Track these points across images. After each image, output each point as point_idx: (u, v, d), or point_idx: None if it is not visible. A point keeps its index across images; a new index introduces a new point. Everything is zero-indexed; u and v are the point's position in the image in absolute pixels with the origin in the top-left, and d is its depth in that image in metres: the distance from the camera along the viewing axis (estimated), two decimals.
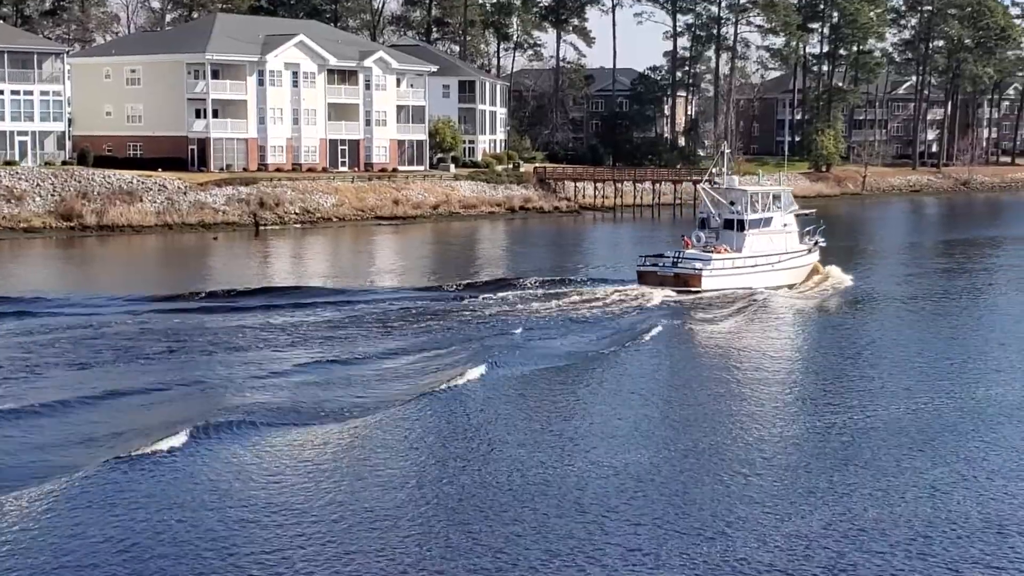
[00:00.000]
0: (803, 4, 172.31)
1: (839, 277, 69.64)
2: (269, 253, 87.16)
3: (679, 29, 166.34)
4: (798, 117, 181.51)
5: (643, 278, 63.35)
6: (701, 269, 62.88)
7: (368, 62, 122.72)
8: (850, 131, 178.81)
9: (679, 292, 61.30)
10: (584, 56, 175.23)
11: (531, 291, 61.68)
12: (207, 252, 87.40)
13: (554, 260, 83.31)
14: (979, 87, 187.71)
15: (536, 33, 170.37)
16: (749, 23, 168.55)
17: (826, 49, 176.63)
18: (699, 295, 61.23)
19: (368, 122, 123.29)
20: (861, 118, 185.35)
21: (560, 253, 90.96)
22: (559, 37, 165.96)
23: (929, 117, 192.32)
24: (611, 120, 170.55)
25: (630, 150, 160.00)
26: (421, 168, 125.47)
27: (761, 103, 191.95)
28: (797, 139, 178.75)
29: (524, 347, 47.14)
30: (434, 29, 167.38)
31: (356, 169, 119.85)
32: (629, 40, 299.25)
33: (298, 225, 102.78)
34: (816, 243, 70.54)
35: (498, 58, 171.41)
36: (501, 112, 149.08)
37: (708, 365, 46.76)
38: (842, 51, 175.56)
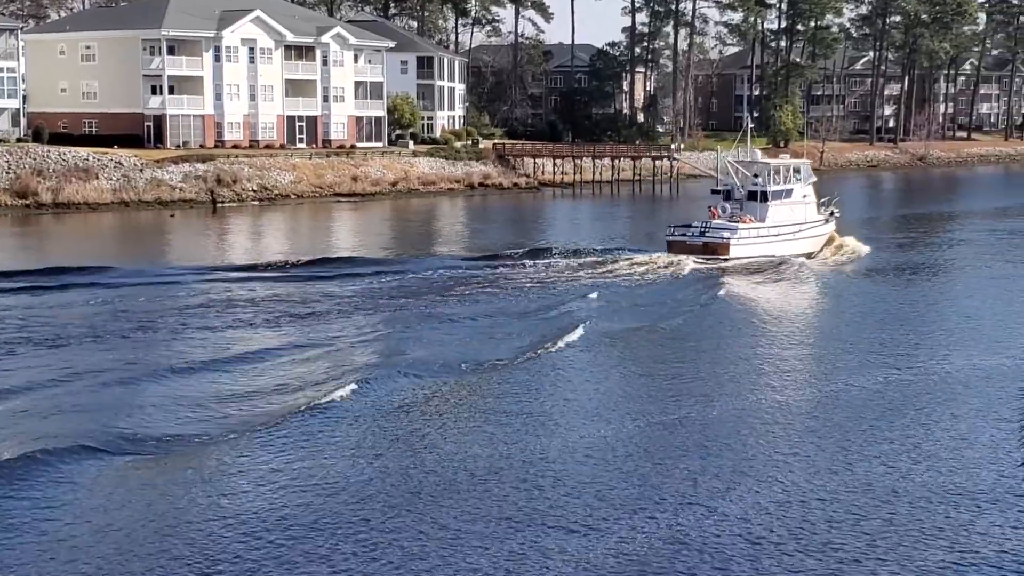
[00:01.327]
0: None
1: (855, 246, 72.21)
2: (227, 230, 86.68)
3: (637, 5, 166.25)
4: (756, 93, 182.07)
5: (672, 247, 66.27)
6: (729, 238, 65.84)
7: (325, 38, 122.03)
8: (808, 107, 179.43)
9: (707, 260, 64.06)
10: (542, 32, 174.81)
11: (564, 261, 64.66)
12: (164, 229, 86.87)
13: (514, 236, 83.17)
14: (935, 62, 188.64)
15: (494, 8, 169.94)
16: None
17: (784, 25, 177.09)
18: (727, 263, 64.09)
19: (326, 98, 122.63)
20: (819, 94, 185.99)
21: (520, 229, 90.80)
22: (517, 12, 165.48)
23: (886, 92, 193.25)
24: (570, 96, 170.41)
25: (589, 126, 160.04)
26: (379, 145, 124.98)
27: (719, 78, 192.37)
28: (755, 115, 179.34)
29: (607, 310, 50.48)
30: (392, 5, 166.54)
31: (314, 146, 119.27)
32: (587, 16, 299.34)
33: (256, 202, 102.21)
34: (832, 213, 73.37)
35: (456, 34, 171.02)
36: (460, 88, 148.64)
37: (745, 330, 48.28)
38: (800, 27, 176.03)
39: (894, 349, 44.16)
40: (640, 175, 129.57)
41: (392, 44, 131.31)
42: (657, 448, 31.09)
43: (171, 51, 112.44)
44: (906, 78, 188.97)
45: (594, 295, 53.54)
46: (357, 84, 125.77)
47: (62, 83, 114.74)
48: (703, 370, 40.67)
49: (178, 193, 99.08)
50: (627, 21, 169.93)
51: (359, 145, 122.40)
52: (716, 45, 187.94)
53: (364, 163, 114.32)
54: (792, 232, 68.99)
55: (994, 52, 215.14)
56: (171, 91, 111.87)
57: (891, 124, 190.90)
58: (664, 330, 47.13)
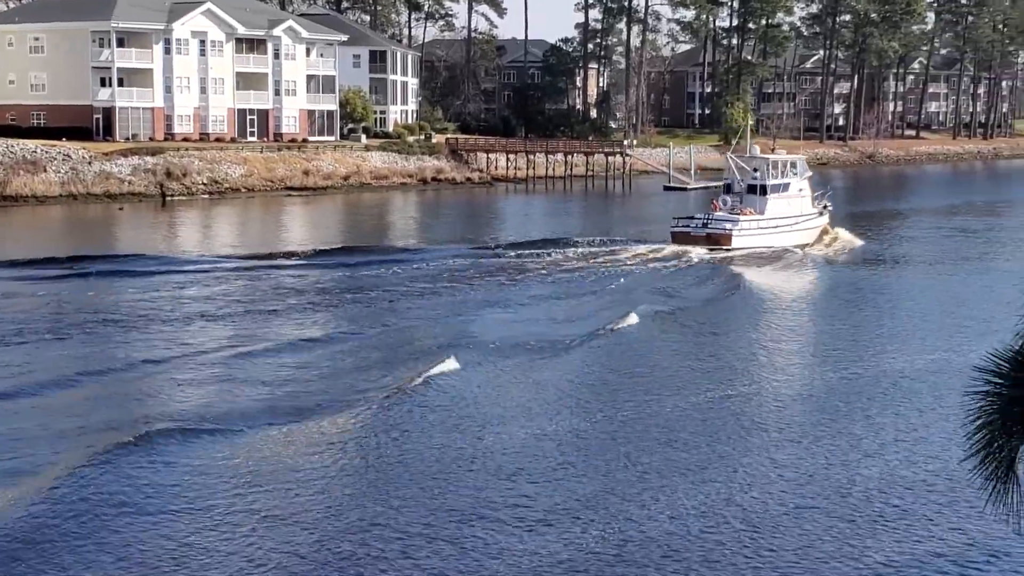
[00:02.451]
0: None
1: (847, 238, 76.04)
2: (176, 223, 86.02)
3: (590, 1, 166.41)
4: (708, 90, 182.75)
5: (677, 238, 69.67)
6: (731, 229, 69.24)
7: (277, 31, 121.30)
8: (759, 104, 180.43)
9: (711, 250, 67.64)
10: (496, 27, 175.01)
11: (572, 250, 68.13)
12: (113, 222, 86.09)
13: (472, 230, 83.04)
14: (884, 61, 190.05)
15: (447, 3, 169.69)
16: None
17: (735, 23, 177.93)
18: (729, 252, 67.45)
19: (277, 92, 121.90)
20: (770, 91, 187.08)
21: (476, 224, 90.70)
22: (470, 7, 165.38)
23: (836, 91, 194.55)
24: (523, 91, 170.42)
25: (542, 122, 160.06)
26: (331, 139, 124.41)
27: (672, 75, 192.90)
28: (707, 112, 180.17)
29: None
30: None
31: (265, 139, 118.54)
32: (541, 11, 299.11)
33: (206, 196, 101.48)
34: (826, 207, 77.15)
35: (409, 28, 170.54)
36: (413, 82, 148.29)
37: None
38: (751, 25, 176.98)
39: (868, 343, 45.01)
40: (593, 171, 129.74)
41: (345, 38, 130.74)
42: (607, 442, 31.14)
43: (120, 43, 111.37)
44: (856, 77, 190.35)
45: (612, 284, 56.65)
46: (309, 78, 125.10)
47: (10, 75, 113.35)
48: (703, 361, 41.35)
49: (127, 186, 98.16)
50: (580, 17, 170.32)
51: (311, 139, 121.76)
52: (668, 42, 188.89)
53: (316, 157, 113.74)
54: (789, 224, 72.50)
55: (942, 51, 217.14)
56: (120, 83, 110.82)
57: (841, 122, 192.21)
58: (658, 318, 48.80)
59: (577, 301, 52.59)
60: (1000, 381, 14.09)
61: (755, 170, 74.00)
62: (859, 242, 75.17)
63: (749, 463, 29.59)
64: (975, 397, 14.36)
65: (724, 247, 68.34)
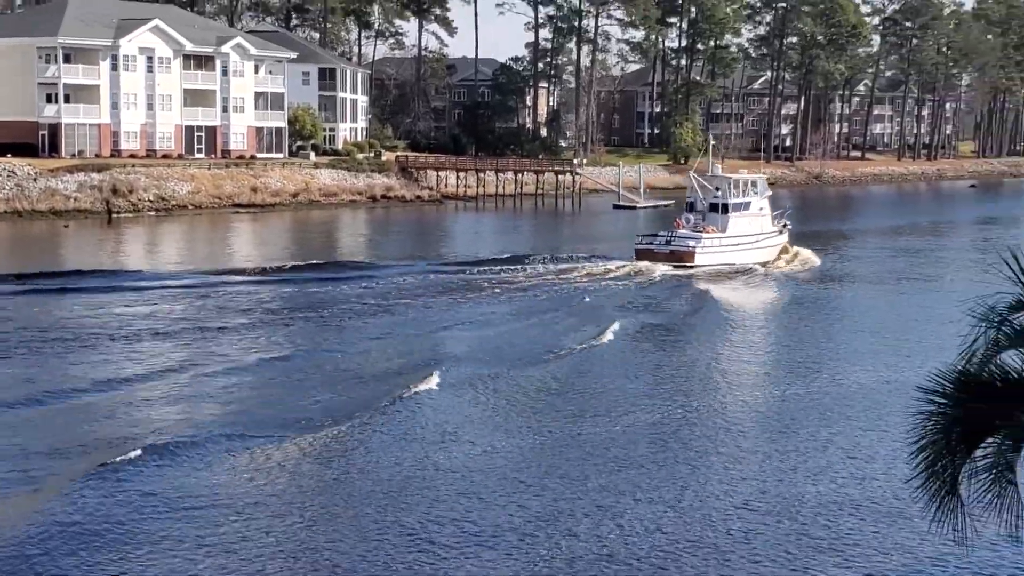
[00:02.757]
0: None
1: (807, 256, 77.44)
2: (122, 241, 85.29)
3: (541, 20, 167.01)
4: (657, 110, 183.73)
5: (641, 255, 70.57)
6: (694, 247, 70.38)
7: (225, 48, 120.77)
8: (707, 124, 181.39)
9: (675, 267, 68.78)
10: (446, 45, 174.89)
11: (539, 267, 68.70)
12: (58, 239, 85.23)
13: (421, 247, 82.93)
14: (831, 83, 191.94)
15: (397, 21, 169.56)
16: (610, 16, 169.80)
17: (684, 43, 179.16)
18: (692, 269, 68.70)
19: (225, 108, 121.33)
20: (718, 112, 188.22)
21: (427, 241, 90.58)
22: (421, 26, 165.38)
23: (783, 112, 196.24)
24: (473, 110, 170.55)
25: (492, 140, 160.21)
26: (280, 156, 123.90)
27: (621, 95, 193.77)
28: (656, 131, 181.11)
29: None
30: (294, 15, 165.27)
31: (213, 156, 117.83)
32: (491, 30, 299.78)
33: (152, 213, 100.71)
34: (785, 225, 78.72)
35: (359, 46, 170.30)
36: (362, 100, 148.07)
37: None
38: (700, 46, 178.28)
39: (821, 362, 45.71)
40: (543, 189, 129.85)
41: (294, 55, 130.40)
42: (559, 461, 31.14)
43: (67, 59, 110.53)
44: (803, 98, 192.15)
45: (576, 302, 57.61)
46: (258, 95, 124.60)
47: None
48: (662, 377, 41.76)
49: (73, 203, 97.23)
50: (531, 36, 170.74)
51: (259, 156, 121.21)
52: (618, 62, 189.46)
53: (264, 174, 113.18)
54: (750, 242, 73.79)
55: (887, 74, 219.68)
56: (67, 100, 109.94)
57: (788, 143, 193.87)
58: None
59: (541, 319, 52.86)
60: (944, 401, 14.23)
61: (717, 189, 75.33)
62: (818, 261, 76.47)
63: (699, 481, 29.66)
64: (919, 417, 14.49)
65: (687, 264, 69.41)
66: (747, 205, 75.27)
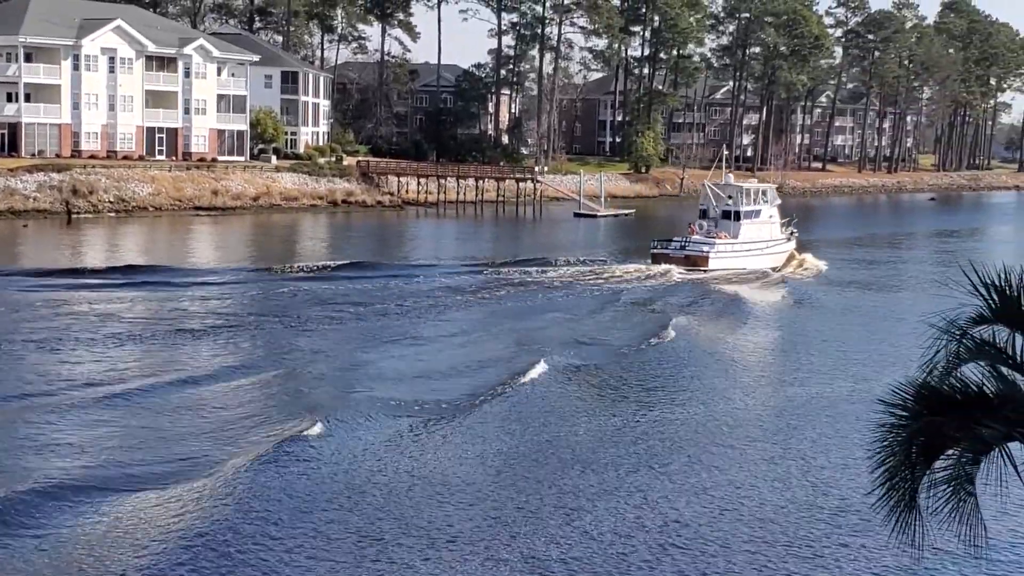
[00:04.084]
0: (626, 7, 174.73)
1: (813, 263, 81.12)
2: (81, 241, 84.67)
3: (504, 27, 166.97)
4: (619, 118, 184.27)
5: (656, 259, 74.86)
6: (708, 252, 74.49)
7: (188, 49, 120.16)
8: (669, 133, 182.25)
9: (689, 271, 72.67)
10: (409, 51, 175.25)
11: (563, 270, 72.68)
12: (17, 239, 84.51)
13: (385, 250, 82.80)
14: (793, 94, 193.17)
15: (361, 26, 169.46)
16: (573, 24, 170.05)
17: (647, 52, 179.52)
18: (706, 273, 72.54)
19: (187, 110, 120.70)
20: (680, 121, 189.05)
21: (392, 245, 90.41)
22: (384, 31, 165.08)
23: (745, 122, 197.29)
24: (435, 116, 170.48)
25: (454, 146, 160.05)
26: (241, 159, 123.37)
27: (583, 103, 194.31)
28: (618, 140, 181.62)
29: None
30: (257, 18, 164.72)
31: (174, 158, 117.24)
32: (455, 36, 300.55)
33: (113, 214, 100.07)
34: (792, 233, 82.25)
35: (322, 50, 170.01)
36: (324, 104, 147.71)
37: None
38: (662, 55, 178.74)
39: (793, 369, 46.65)
40: (504, 196, 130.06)
41: (256, 58, 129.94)
42: (539, 466, 31.17)
43: (28, 58, 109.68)
44: (764, 108, 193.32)
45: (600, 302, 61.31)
46: (220, 97, 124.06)
47: None
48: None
49: (32, 203, 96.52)
50: (494, 43, 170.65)
51: (220, 159, 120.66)
52: (581, 70, 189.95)
53: (225, 177, 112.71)
54: (761, 248, 77.83)
55: (849, 85, 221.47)
56: (27, 99, 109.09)
57: (749, 153, 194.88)
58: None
59: (592, 316, 56.86)
60: (904, 414, 14.30)
61: (729, 197, 79.12)
62: (823, 266, 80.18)
63: (670, 486, 29.74)
64: (879, 430, 14.57)
65: (701, 268, 73.43)
66: (758, 213, 79.11)
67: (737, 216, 77.57)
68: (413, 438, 33.44)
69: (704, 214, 79.09)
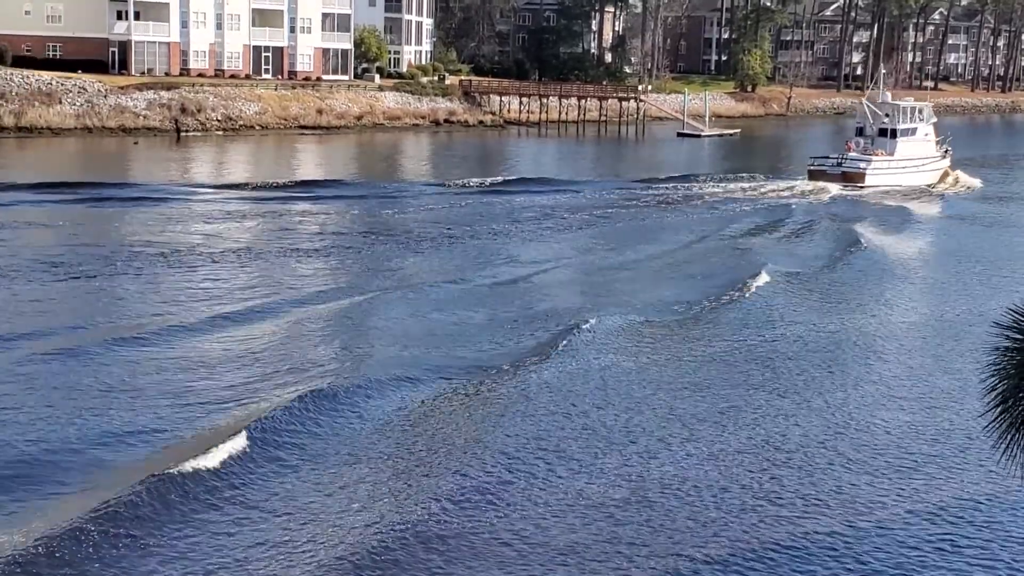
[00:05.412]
0: None
1: (967, 180, 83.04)
2: (191, 159, 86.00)
3: None
4: (725, 36, 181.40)
5: (814, 176, 77.46)
6: (865, 168, 76.71)
7: None
8: (776, 51, 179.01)
9: (845, 187, 75.38)
10: None
11: (728, 185, 77.32)
12: (128, 156, 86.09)
13: (498, 168, 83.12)
14: (905, 10, 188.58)
15: None
16: None
17: None
18: (863, 189, 75.12)
19: (292, 29, 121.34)
20: (788, 39, 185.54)
21: (497, 164, 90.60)
22: None
23: (855, 40, 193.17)
24: (538, 34, 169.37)
25: (556, 65, 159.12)
26: (345, 78, 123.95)
27: (689, 21, 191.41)
28: (724, 58, 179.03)
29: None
30: None
31: (280, 77, 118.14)
32: None
33: (220, 132, 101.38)
34: (947, 151, 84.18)
35: None
36: (427, 23, 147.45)
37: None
38: None
39: (976, 281, 47.96)
40: (606, 116, 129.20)
41: None
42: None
43: None
44: (875, 26, 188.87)
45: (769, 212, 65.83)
46: (324, 16, 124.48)
47: (26, 5, 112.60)
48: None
49: (142, 120, 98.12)
50: None
51: (325, 78, 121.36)
52: None
53: (330, 96, 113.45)
54: (916, 165, 79.81)
55: (963, 2, 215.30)
56: (137, 17, 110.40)
57: (859, 72, 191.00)
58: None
59: (779, 227, 61.20)
60: (1019, 337, 14.17)
61: (886, 115, 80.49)
62: (977, 183, 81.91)
63: (783, 405, 29.80)
64: (993, 353, 14.45)
65: (858, 184, 75.76)
66: (913, 131, 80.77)
67: (893, 134, 79.42)
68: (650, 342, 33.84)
69: (861, 131, 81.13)
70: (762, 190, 75.47)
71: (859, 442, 27.67)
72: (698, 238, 56.66)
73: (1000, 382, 14.33)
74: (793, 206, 68.86)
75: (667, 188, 75.25)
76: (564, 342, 34.51)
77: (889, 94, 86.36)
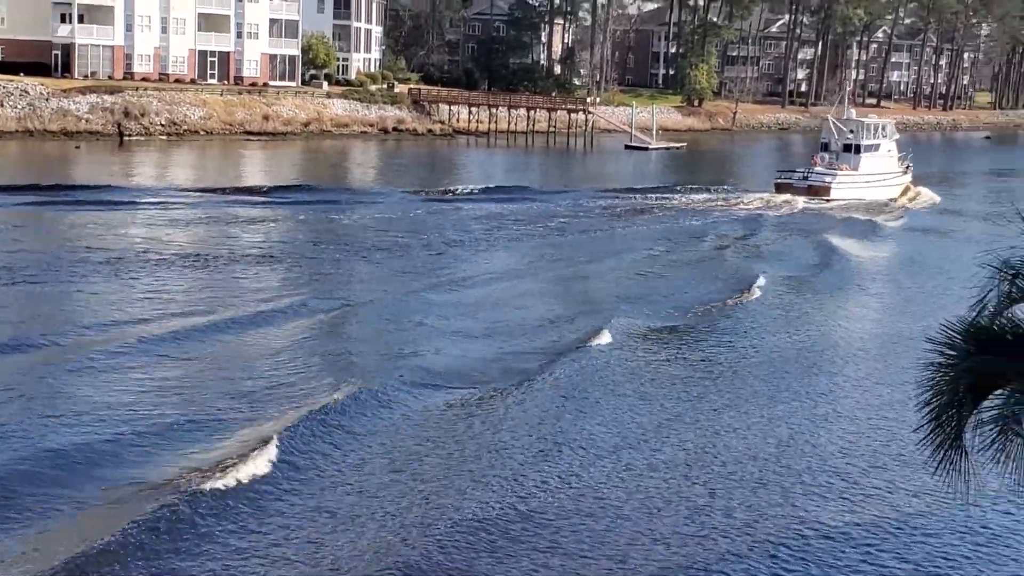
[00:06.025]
0: None
1: (928, 195, 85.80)
2: (133, 163, 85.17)
3: None
4: (673, 51, 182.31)
5: (780, 188, 79.74)
6: (831, 182, 78.94)
7: None
8: (723, 67, 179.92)
9: (811, 200, 77.30)
10: None
11: (692, 197, 78.61)
12: (69, 159, 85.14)
13: (436, 178, 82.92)
14: (849, 28, 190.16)
15: None
16: None
17: None
18: (828, 202, 77.19)
19: (239, 34, 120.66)
20: (734, 54, 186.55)
21: (439, 173, 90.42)
22: None
23: (800, 56, 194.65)
24: (488, 44, 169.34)
25: (506, 75, 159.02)
26: (293, 84, 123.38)
27: (637, 34, 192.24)
28: (671, 72, 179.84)
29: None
30: None
31: (226, 82, 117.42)
32: None
33: (164, 137, 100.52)
34: (908, 167, 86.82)
35: None
36: (376, 31, 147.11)
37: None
38: None
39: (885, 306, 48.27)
40: (555, 127, 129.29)
41: None
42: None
43: None
44: (820, 43, 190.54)
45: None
46: (272, 21, 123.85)
47: None
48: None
49: (84, 124, 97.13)
50: None
51: (272, 84, 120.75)
52: (635, 1, 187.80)
53: (276, 102, 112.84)
54: (879, 180, 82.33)
55: (906, 21, 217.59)
56: (81, 20, 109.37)
57: (803, 88, 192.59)
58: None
59: (757, 236, 62.96)
60: (952, 353, 14.24)
61: (851, 131, 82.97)
62: (938, 198, 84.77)
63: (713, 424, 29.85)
64: (928, 369, 14.51)
65: (824, 197, 77.86)
66: (877, 147, 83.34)
67: (858, 149, 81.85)
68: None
69: (826, 147, 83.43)
70: (746, 201, 77.87)
71: (801, 454, 27.77)
72: (653, 252, 56.78)
73: (934, 398, 14.40)
74: (761, 217, 70.48)
75: (618, 199, 76.23)
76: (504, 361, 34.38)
77: (854, 111, 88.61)
